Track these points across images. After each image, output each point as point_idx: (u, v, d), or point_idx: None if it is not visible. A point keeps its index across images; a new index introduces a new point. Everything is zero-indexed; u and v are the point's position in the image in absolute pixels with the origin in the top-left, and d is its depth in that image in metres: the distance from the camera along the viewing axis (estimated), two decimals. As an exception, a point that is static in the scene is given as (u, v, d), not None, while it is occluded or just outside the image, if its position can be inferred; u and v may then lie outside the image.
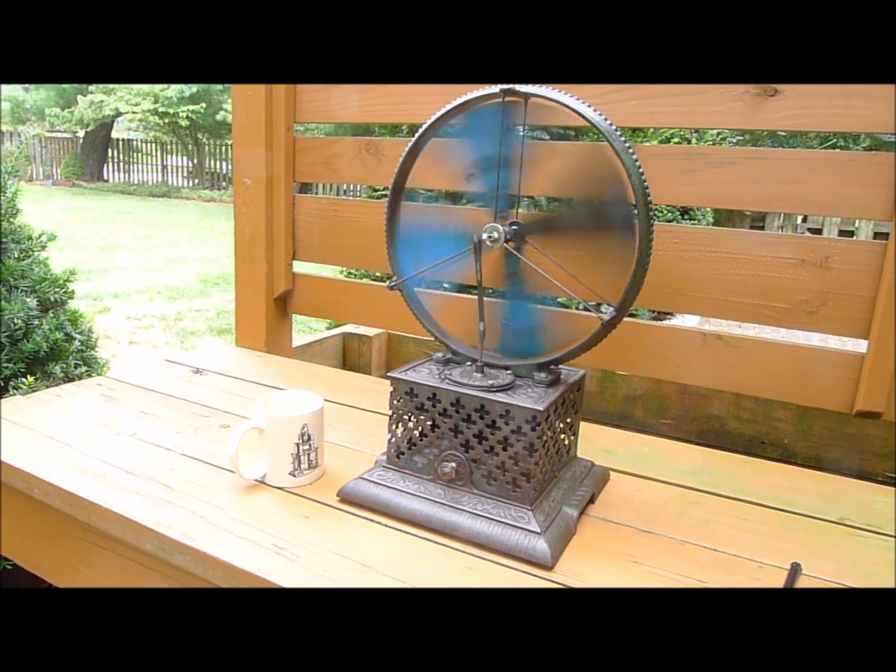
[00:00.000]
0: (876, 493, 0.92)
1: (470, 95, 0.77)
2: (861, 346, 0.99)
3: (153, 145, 14.21)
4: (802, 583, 0.69)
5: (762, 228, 5.24)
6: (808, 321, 1.01)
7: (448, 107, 0.78)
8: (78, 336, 1.41)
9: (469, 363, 0.80)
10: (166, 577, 0.75)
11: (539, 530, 0.70)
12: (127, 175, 14.22)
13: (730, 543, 0.76)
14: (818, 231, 5.28)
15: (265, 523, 0.74)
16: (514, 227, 0.78)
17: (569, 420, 0.82)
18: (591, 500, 0.82)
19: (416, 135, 0.80)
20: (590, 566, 0.69)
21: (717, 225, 4.22)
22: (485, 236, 0.76)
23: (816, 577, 0.70)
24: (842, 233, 5.28)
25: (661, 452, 1.01)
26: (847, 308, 0.98)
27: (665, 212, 3.53)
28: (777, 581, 0.68)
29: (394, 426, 0.79)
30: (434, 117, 0.79)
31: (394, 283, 0.83)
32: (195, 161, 13.55)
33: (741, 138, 4.45)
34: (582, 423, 0.88)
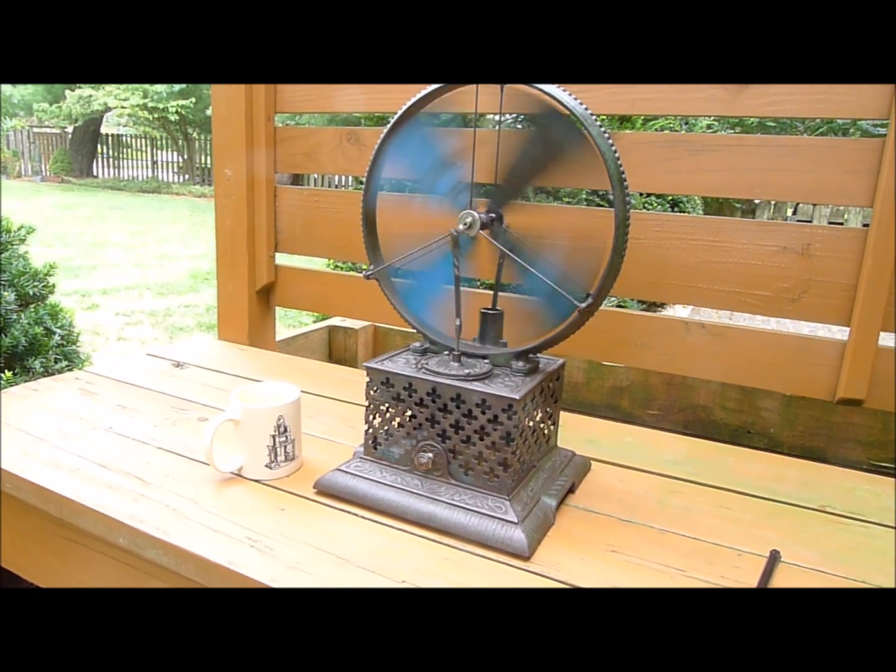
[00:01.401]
0: (859, 480, 0.91)
1: (442, 84, 0.75)
2: (843, 333, 0.98)
3: (143, 140, 14.12)
4: (782, 570, 0.68)
5: (753, 220, 5.24)
6: (789, 309, 1.00)
7: (422, 93, 0.77)
8: (58, 330, 1.40)
9: (446, 352, 0.79)
10: (140, 571, 0.74)
11: (516, 520, 0.69)
12: (117, 171, 14.14)
13: (711, 532, 0.75)
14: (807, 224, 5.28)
15: (240, 516, 0.73)
16: (490, 215, 0.77)
17: (548, 409, 0.81)
18: (572, 490, 0.81)
19: (390, 123, 0.79)
20: (567, 556, 0.68)
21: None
22: (460, 225, 0.75)
23: (797, 564, 0.69)
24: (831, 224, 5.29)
25: (644, 442, 1.01)
26: (828, 295, 0.98)
27: (655, 205, 3.52)
28: (756, 568, 0.68)
29: (370, 417, 0.78)
30: (408, 104, 0.77)
31: (370, 272, 0.82)
32: (185, 156, 13.48)
33: (731, 131, 4.45)
34: (565, 414, 0.87)
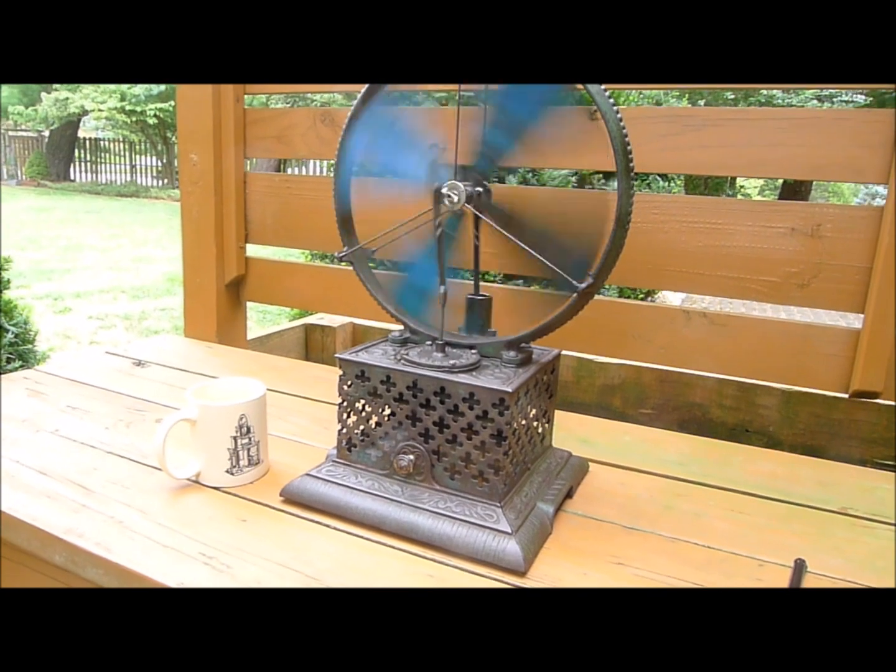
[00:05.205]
0: (878, 479, 0.84)
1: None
2: (856, 321, 0.91)
3: (121, 144, 13.91)
4: (808, 581, 0.60)
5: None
6: (798, 295, 0.93)
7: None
8: (12, 328, 1.30)
9: (429, 342, 0.71)
10: (80, 593, 0.65)
11: (510, 530, 0.61)
12: (94, 175, 13.89)
13: (725, 539, 0.67)
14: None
15: (195, 529, 0.64)
16: (477, 189, 0.69)
17: (542, 405, 0.73)
18: (569, 495, 0.73)
19: (359, 96, 0.70)
20: (568, 570, 0.60)
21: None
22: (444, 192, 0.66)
23: (824, 574, 0.62)
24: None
25: (643, 441, 0.93)
26: (841, 280, 0.91)
27: (642, 188, 3.44)
28: (780, 580, 0.60)
29: (344, 415, 0.69)
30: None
31: (343, 254, 0.74)
32: (164, 160, 13.30)
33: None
34: (557, 412, 0.79)
